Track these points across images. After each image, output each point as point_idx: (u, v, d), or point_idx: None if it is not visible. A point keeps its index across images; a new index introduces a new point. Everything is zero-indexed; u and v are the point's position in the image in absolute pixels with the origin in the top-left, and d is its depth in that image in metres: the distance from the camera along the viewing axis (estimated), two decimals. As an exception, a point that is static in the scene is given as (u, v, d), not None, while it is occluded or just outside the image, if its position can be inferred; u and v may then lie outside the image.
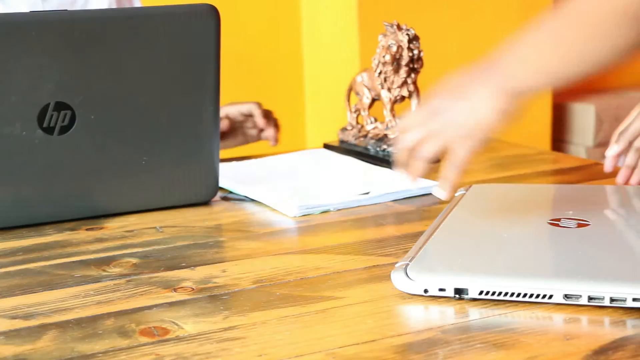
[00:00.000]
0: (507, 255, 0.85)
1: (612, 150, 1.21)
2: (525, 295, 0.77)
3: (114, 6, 1.64)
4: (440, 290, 0.79)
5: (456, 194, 1.12)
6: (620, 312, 0.75)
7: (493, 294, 0.78)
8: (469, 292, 0.78)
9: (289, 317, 0.77)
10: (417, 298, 0.80)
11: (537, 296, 0.77)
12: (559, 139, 3.13)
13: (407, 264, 0.83)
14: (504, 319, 0.75)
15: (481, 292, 0.78)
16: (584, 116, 3.08)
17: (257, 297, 0.82)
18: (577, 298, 0.76)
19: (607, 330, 0.72)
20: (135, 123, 1.09)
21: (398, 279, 0.81)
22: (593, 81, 3.48)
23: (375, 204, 1.15)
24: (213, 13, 1.09)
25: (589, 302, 0.76)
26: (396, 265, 0.83)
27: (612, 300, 0.75)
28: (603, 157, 3.30)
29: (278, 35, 2.86)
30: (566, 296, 0.76)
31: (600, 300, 0.75)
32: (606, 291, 0.75)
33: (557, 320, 0.75)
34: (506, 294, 0.78)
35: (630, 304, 0.74)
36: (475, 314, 0.76)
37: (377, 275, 0.87)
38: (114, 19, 1.07)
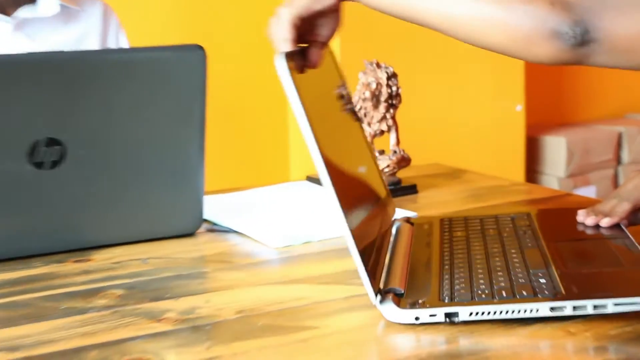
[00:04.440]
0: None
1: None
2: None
3: (101, 47, 1.64)
4: (431, 316, 0.78)
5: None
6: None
7: (482, 314, 0.77)
8: (460, 315, 0.78)
9: (269, 347, 0.75)
10: (393, 326, 0.78)
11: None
12: (533, 169, 3.13)
13: (397, 294, 0.81)
14: (480, 346, 0.73)
15: (471, 314, 0.77)
16: (555, 148, 3.09)
17: (239, 327, 0.80)
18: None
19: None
20: (124, 158, 1.07)
21: (388, 310, 0.79)
22: (564, 115, 3.50)
23: (356, 234, 1.13)
24: (200, 53, 1.08)
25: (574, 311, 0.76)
26: (379, 294, 0.81)
27: (595, 307, 0.76)
28: (574, 186, 3.31)
29: (262, 70, 2.86)
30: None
31: (584, 309, 0.76)
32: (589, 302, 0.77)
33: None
34: (494, 312, 0.77)
35: (611, 309, 0.76)
36: (442, 340, 0.75)
37: (357, 304, 0.85)
38: (105, 58, 1.06)
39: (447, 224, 1.08)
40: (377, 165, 1.08)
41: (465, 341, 0.75)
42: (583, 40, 0.76)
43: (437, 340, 0.75)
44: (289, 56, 0.82)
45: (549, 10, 0.76)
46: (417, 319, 0.78)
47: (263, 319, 0.82)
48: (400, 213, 1.20)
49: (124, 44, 1.71)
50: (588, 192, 3.02)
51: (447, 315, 0.78)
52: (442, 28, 0.83)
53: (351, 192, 0.89)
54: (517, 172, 2.90)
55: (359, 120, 1.08)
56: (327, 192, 0.79)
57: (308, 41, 0.89)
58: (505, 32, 0.79)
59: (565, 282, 0.82)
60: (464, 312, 0.78)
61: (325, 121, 0.88)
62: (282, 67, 0.79)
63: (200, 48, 1.08)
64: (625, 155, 3.21)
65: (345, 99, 0.97)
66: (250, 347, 0.75)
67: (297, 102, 0.79)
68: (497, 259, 0.91)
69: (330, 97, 0.97)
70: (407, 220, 1.11)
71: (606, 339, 0.74)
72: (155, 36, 2.65)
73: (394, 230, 1.06)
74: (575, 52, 0.77)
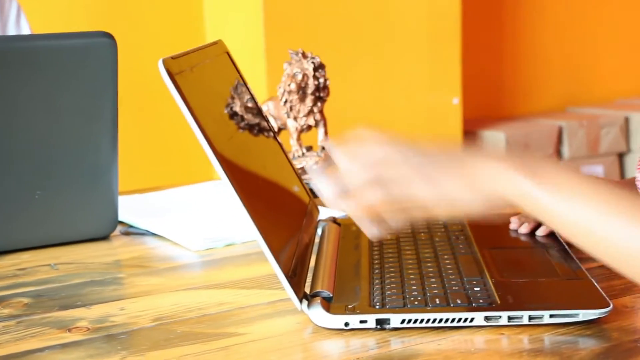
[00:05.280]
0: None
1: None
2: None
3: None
4: (362, 322, 0.79)
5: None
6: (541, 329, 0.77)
7: (415, 321, 0.79)
8: (391, 322, 0.79)
9: (189, 355, 0.76)
10: (320, 332, 0.80)
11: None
12: (470, 167, 3.19)
13: (325, 297, 0.83)
14: (411, 351, 0.75)
15: (403, 321, 0.79)
16: (494, 143, 3.15)
17: (157, 335, 0.81)
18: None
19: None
20: (28, 155, 1.06)
21: (317, 314, 0.80)
22: (503, 108, 3.57)
23: (282, 235, 1.15)
24: (110, 42, 1.08)
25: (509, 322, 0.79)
26: (305, 299, 0.83)
27: (530, 318, 0.79)
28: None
29: (184, 63, 2.85)
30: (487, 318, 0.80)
31: (519, 320, 0.79)
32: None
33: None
34: (427, 320, 0.79)
35: (547, 320, 0.79)
36: (372, 345, 0.76)
37: (282, 309, 0.86)
38: (4, 46, 1.05)
39: None
40: (293, 166, 1.10)
41: (396, 346, 0.77)
42: None
43: (366, 345, 0.77)
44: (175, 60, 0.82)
45: None
46: (346, 324, 0.79)
47: (182, 326, 0.83)
48: (328, 213, 1.22)
49: (26, 30, 1.69)
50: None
51: (378, 321, 0.79)
52: (606, 259, 0.74)
53: (261, 195, 0.90)
54: (454, 168, 2.95)
55: (266, 123, 1.08)
56: (231, 195, 0.80)
57: None
58: None
59: (500, 291, 0.84)
60: (395, 319, 0.79)
61: (224, 125, 0.90)
62: (163, 72, 0.80)
63: (109, 36, 1.08)
64: (566, 151, 3.29)
65: (238, 117, 0.97)
66: (168, 356, 0.76)
67: (183, 106, 0.80)
68: (430, 264, 0.93)
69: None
70: (334, 220, 1.13)
71: (540, 342, 0.76)
72: (61, 22, 2.61)
73: (319, 231, 1.07)
74: None
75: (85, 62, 1.07)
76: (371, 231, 0.79)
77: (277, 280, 0.95)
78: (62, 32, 1.09)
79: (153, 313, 0.87)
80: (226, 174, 0.79)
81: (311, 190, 1.33)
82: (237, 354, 0.76)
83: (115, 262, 1.06)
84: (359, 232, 1.08)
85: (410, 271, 0.91)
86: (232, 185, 0.79)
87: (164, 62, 0.80)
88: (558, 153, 3.29)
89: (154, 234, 1.16)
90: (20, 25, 1.70)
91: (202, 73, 0.90)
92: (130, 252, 1.10)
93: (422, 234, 1.05)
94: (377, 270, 0.92)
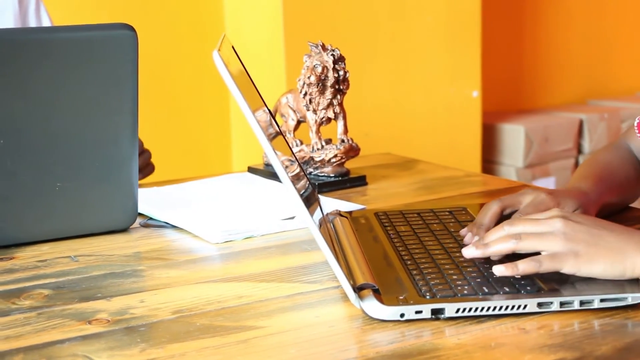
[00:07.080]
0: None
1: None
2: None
3: (19, 25, 1.62)
4: (417, 312, 0.80)
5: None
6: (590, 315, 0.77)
7: (470, 310, 0.80)
8: (446, 311, 0.80)
9: (209, 348, 0.76)
10: (337, 326, 0.80)
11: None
12: (489, 160, 3.18)
13: (375, 289, 0.83)
14: (429, 346, 0.75)
15: (458, 310, 0.80)
16: (513, 137, 3.14)
17: (176, 328, 0.81)
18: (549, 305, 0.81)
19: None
20: (48, 147, 1.07)
21: (371, 306, 0.81)
22: (522, 101, 3.55)
23: (300, 228, 1.15)
24: (130, 34, 1.08)
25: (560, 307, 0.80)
26: (355, 291, 0.83)
27: (581, 303, 0.80)
28: (533, 178, 3.35)
29: (202, 55, 2.86)
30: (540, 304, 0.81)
31: (570, 305, 0.81)
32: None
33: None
34: (482, 309, 0.80)
35: (597, 305, 0.80)
36: (390, 340, 0.76)
37: (301, 303, 0.87)
38: (25, 38, 1.06)
39: (385, 217, 1.11)
40: (295, 156, 1.11)
41: (415, 340, 0.77)
42: None
43: (385, 340, 0.77)
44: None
45: None
46: (402, 315, 0.80)
47: (202, 319, 0.83)
48: (348, 206, 1.22)
49: (46, 21, 1.69)
50: (547, 183, 3.08)
51: (434, 311, 0.80)
52: None
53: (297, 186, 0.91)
54: (473, 161, 2.94)
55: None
56: (285, 185, 0.81)
57: None
58: None
59: (540, 278, 0.84)
60: (450, 309, 0.80)
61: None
62: (219, 63, 0.80)
63: (130, 28, 1.08)
64: (586, 144, 3.27)
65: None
66: (188, 348, 0.76)
67: (239, 96, 0.81)
68: (459, 254, 0.93)
69: (250, 88, 0.99)
70: (339, 213, 1.12)
71: (560, 337, 0.76)
72: (82, 15, 2.62)
73: (331, 225, 1.07)
74: None
75: (106, 54, 1.07)
76: (498, 269, 0.85)
77: (295, 274, 0.96)
78: (82, 24, 1.09)
79: (173, 305, 0.87)
80: (280, 161, 0.81)
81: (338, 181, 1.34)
82: (256, 347, 0.76)
83: (135, 255, 1.07)
84: (370, 225, 1.08)
85: (442, 261, 0.92)
86: (287, 176, 0.81)
87: (220, 53, 0.81)
88: (578, 146, 3.27)
89: (173, 227, 1.17)
90: (40, 17, 1.70)
91: (234, 64, 0.92)
92: (149, 245, 1.10)
93: (435, 225, 1.06)
94: (409, 261, 0.92)
